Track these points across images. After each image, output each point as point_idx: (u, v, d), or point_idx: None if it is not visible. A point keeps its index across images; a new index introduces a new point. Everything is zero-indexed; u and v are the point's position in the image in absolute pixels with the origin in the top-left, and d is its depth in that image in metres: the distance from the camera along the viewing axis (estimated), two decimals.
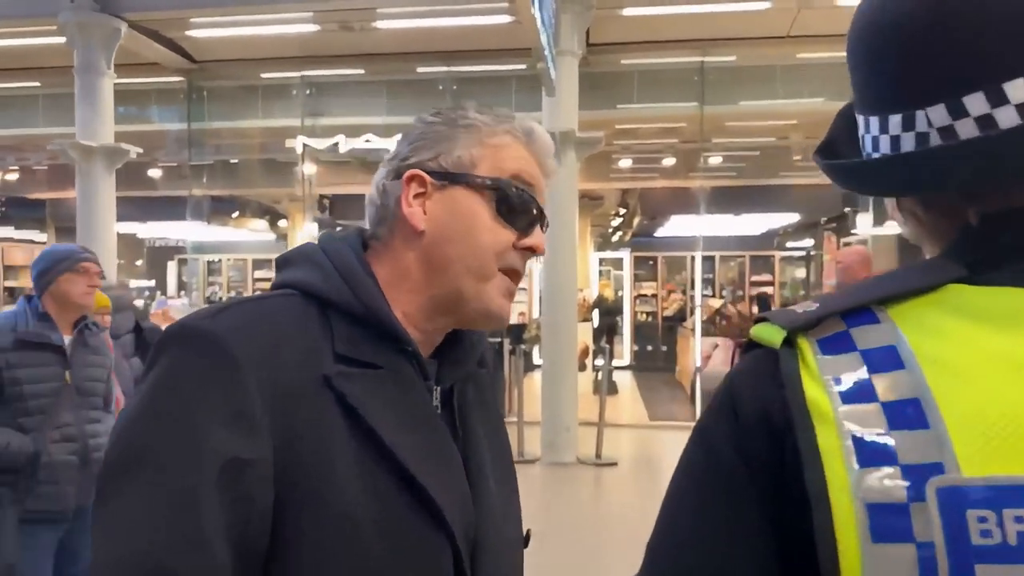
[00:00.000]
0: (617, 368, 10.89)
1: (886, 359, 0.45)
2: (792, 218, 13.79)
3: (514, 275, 0.80)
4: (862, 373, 0.45)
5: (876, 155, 0.54)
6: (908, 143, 0.52)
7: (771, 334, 0.50)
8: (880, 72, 0.53)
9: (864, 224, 9.91)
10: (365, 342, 0.72)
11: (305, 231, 10.87)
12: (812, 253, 14.53)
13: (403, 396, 0.73)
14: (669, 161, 11.12)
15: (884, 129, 0.53)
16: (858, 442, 0.43)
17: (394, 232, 0.79)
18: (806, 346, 0.48)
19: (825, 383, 0.45)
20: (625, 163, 11.26)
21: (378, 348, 0.73)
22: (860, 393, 0.44)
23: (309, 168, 9.81)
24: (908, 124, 0.51)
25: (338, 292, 0.74)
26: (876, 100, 0.54)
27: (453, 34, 7.95)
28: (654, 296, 13.53)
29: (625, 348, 13.03)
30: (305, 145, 9.02)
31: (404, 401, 0.73)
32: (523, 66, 8.93)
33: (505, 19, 7.43)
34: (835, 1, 7.10)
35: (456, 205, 0.77)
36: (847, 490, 0.42)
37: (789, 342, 0.49)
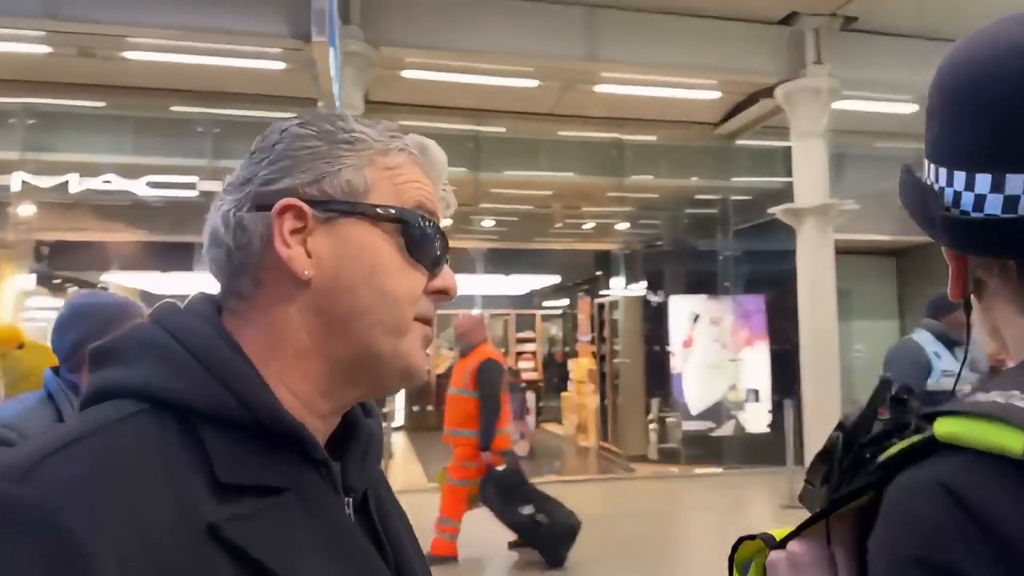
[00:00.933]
0: (392, 429, 10.59)
1: None
2: (553, 279, 14.86)
3: (428, 324, 0.65)
4: None
5: (957, 211, 0.52)
6: (994, 204, 0.50)
7: (1008, 439, 0.41)
8: (976, 127, 0.51)
9: (616, 285, 10.97)
10: (254, 457, 0.54)
11: (15, 284, 9.07)
12: (567, 312, 15.74)
13: (317, 524, 0.55)
14: (446, 222, 11.34)
15: (969, 186, 0.51)
16: None
17: (263, 284, 0.60)
18: None
19: None
20: None
21: (273, 461, 0.54)
22: None
23: (27, 209, 8.27)
24: (997, 186, 0.50)
25: (206, 394, 0.54)
26: (963, 154, 0.52)
27: (216, 73, 7.38)
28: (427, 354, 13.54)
29: (398, 408, 12.77)
30: (24, 182, 7.63)
31: (320, 531, 0.55)
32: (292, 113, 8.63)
33: (279, 65, 7.10)
34: (593, 88, 7.94)
35: (352, 243, 0.60)
36: None
37: None
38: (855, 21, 7.56)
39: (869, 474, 0.50)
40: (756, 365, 9.56)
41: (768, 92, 7.79)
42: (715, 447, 9.30)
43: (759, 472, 8.51)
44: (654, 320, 9.95)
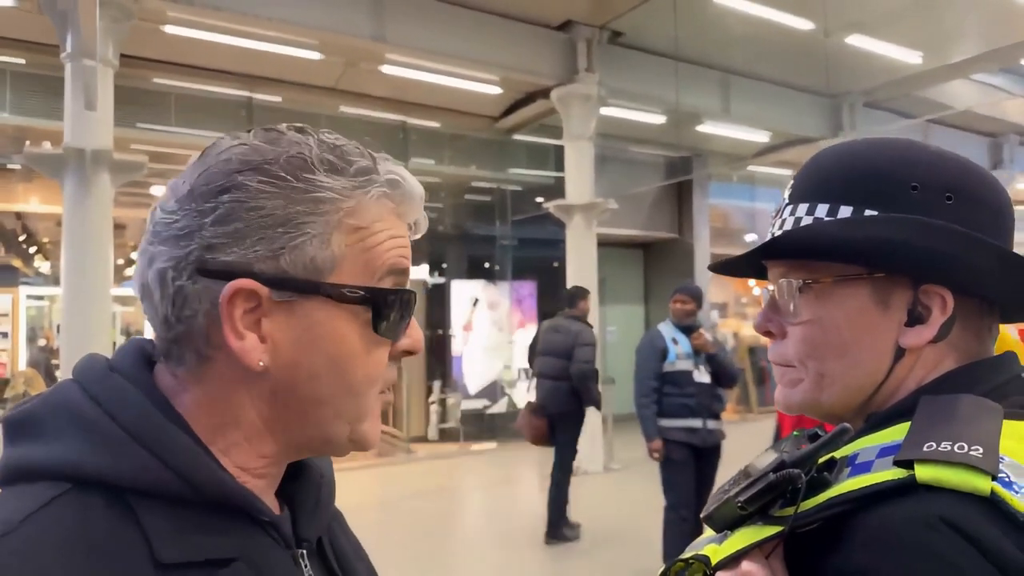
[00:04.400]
0: None
1: None
2: None
3: (388, 388, 0.61)
4: None
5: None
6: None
7: (977, 481, 0.52)
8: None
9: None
10: (197, 529, 0.49)
11: None
12: None
13: None
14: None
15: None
16: None
17: (209, 361, 0.53)
18: (1003, 490, 0.52)
19: None
20: (160, 190, 10.04)
21: (218, 530, 0.50)
22: None
23: None
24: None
25: (139, 470, 0.48)
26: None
27: None
28: None
29: None
30: None
31: None
32: (22, 61, 7.29)
33: (8, 2, 5.95)
34: (379, 67, 7.82)
35: (313, 328, 0.53)
36: None
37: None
38: (622, 36, 8.38)
39: (834, 505, 0.58)
40: (527, 346, 10.25)
41: (545, 93, 8.32)
42: (490, 424, 9.83)
43: (529, 445, 9.17)
44: (436, 304, 10.17)
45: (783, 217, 0.73)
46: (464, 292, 10.02)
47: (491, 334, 10.04)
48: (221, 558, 0.49)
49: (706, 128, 10.04)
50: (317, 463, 0.65)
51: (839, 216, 0.69)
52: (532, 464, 8.36)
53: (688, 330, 4.31)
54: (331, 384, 0.54)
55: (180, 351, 0.53)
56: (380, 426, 0.60)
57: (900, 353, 0.67)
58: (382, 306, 0.56)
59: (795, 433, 0.69)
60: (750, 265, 0.78)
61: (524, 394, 10.04)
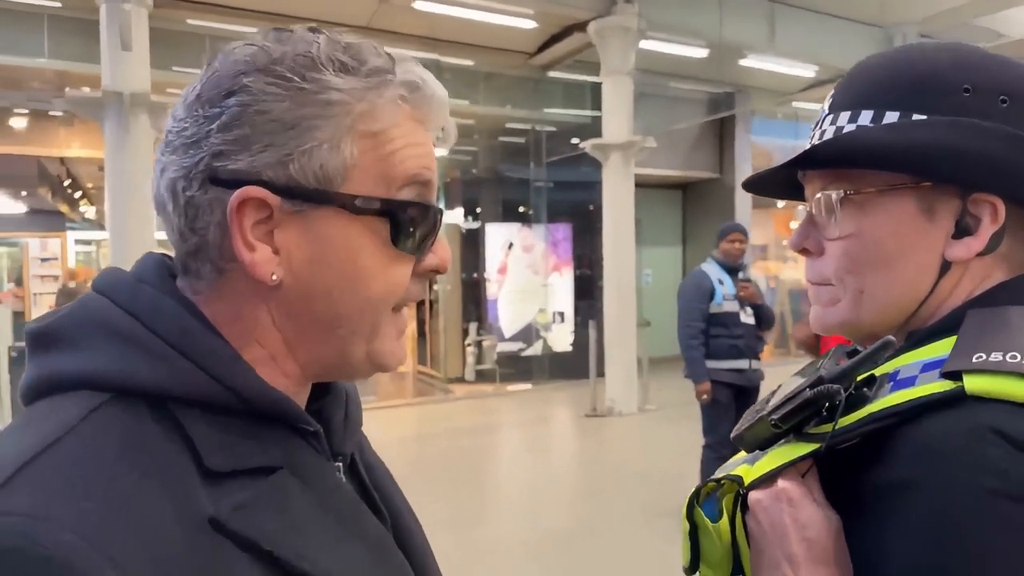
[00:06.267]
0: None
1: None
2: None
3: (412, 304, 0.59)
4: None
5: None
6: None
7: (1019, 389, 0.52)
8: None
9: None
10: (241, 438, 0.49)
11: None
12: None
13: (317, 498, 0.51)
14: (441, 152, 10.43)
15: None
16: None
17: (226, 274, 0.51)
18: None
19: None
20: None
21: (261, 439, 0.50)
22: None
23: None
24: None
25: (180, 377, 0.47)
26: None
27: None
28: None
29: None
30: None
31: (320, 506, 0.51)
32: (58, 4, 7.30)
33: None
34: (412, 4, 7.63)
35: (326, 242, 0.51)
36: None
37: None
38: None
39: (877, 420, 0.56)
40: (562, 289, 10.25)
41: (581, 27, 8.04)
42: (525, 365, 9.95)
43: (564, 386, 9.29)
44: (471, 247, 10.18)
45: (822, 128, 0.69)
46: (499, 236, 9.99)
47: (526, 278, 10.05)
48: (267, 466, 0.49)
49: (750, 62, 9.62)
50: (342, 383, 0.64)
51: (884, 122, 0.64)
52: (567, 404, 8.47)
53: (734, 271, 4.23)
54: (346, 301, 0.52)
55: (197, 265, 0.52)
56: (402, 346, 0.58)
57: (946, 267, 0.64)
58: (401, 219, 0.52)
59: (833, 350, 0.67)
60: (787, 184, 0.73)
61: (561, 336, 10.11)
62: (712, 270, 4.27)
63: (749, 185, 0.79)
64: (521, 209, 10.64)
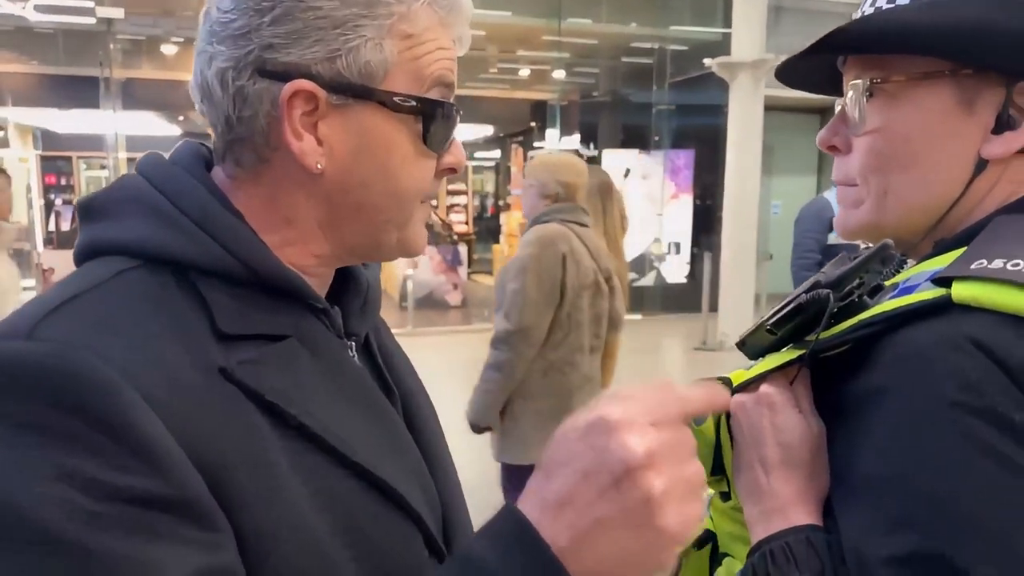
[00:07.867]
0: None
1: None
2: (486, 130, 14.53)
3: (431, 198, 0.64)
4: None
5: None
6: None
7: (1019, 299, 0.47)
8: None
9: (551, 138, 10.86)
10: (254, 309, 0.53)
11: None
12: (500, 164, 15.59)
13: (323, 367, 0.56)
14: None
15: None
16: None
17: (268, 162, 0.55)
18: None
19: None
20: None
21: (274, 311, 0.54)
22: None
23: None
24: None
25: (203, 251, 0.52)
26: None
27: None
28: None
29: None
30: None
31: (326, 374, 0.56)
32: None
33: None
34: None
35: (367, 134, 0.55)
36: None
37: None
38: None
39: (867, 325, 0.53)
40: (679, 219, 9.91)
41: None
42: (636, 296, 9.81)
43: (675, 318, 9.12)
44: None
45: (862, 10, 0.62)
46: (616, 163, 9.73)
47: (642, 206, 9.78)
48: (276, 334, 0.53)
49: None
50: (363, 272, 0.67)
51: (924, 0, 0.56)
52: (677, 336, 8.34)
53: None
54: (381, 191, 0.57)
55: (239, 152, 0.56)
56: (425, 233, 0.63)
57: (981, 166, 0.57)
58: (432, 117, 0.57)
59: (841, 255, 0.62)
60: (823, 75, 0.67)
61: (676, 268, 9.86)
62: (834, 199, 3.94)
63: (781, 71, 0.72)
64: (641, 134, 10.28)
